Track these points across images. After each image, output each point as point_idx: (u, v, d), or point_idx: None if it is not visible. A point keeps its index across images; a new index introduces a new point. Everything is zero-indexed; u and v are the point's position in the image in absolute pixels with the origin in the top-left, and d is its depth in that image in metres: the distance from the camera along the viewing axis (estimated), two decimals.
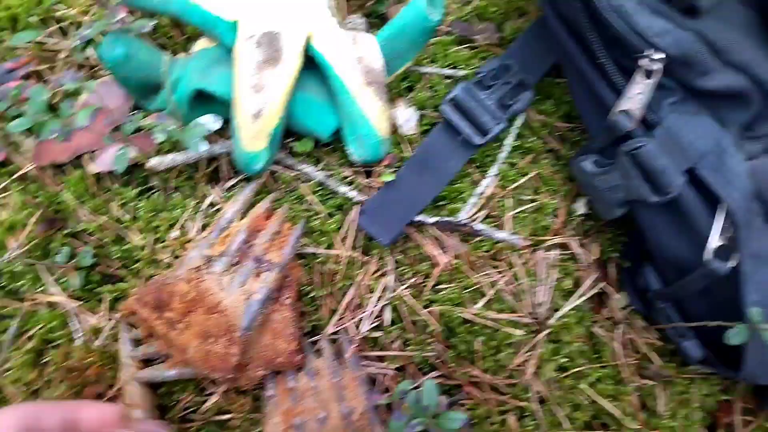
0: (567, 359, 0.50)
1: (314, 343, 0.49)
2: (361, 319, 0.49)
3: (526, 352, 0.49)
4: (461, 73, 0.58)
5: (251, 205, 0.50)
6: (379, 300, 0.49)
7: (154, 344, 0.45)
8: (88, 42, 0.62)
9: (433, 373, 0.49)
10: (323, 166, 0.54)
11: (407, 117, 0.55)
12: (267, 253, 0.45)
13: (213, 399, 0.46)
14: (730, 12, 0.51)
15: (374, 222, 0.50)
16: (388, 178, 0.51)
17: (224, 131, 0.53)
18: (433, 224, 0.51)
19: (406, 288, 0.50)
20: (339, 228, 0.51)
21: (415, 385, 0.48)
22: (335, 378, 0.45)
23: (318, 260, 0.50)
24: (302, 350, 0.46)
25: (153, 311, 0.43)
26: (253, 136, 0.47)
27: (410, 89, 0.58)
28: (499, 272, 0.51)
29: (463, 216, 0.51)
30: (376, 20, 0.62)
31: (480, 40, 0.60)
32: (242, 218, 0.48)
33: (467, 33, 0.61)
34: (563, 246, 0.53)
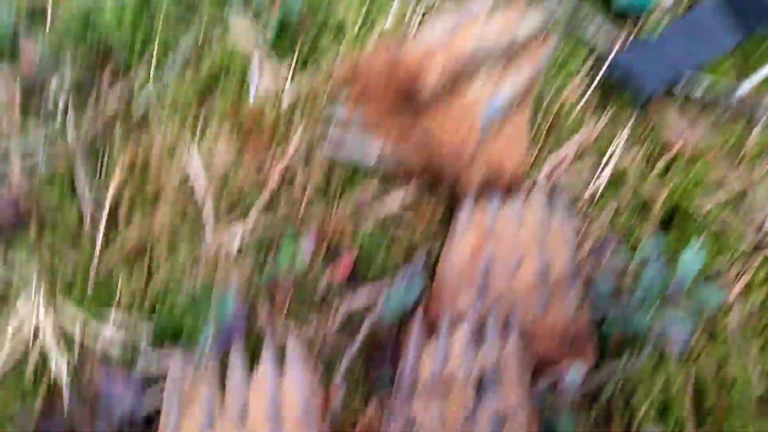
0: None
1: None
2: (580, 173, 0.42)
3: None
4: None
5: None
6: (609, 160, 0.42)
7: (355, 122, 0.39)
8: None
9: None
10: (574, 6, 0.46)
11: None
12: (520, 58, 0.38)
13: (400, 193, 0.41)
14: None
15: (632, 70, 0.43)
16: (652, 30, 0.43)
17: None
18: (697, 97, 0.43)
19: (636, 158, 0.43)
20: (578, 72, 0.44)
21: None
22: (542, 219, 0.39)
23: (551, 96, 0.43)
24: (527, 166, 0.40)
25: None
26: None
27: None
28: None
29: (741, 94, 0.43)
30: None
31: None
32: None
33: None
34: None
